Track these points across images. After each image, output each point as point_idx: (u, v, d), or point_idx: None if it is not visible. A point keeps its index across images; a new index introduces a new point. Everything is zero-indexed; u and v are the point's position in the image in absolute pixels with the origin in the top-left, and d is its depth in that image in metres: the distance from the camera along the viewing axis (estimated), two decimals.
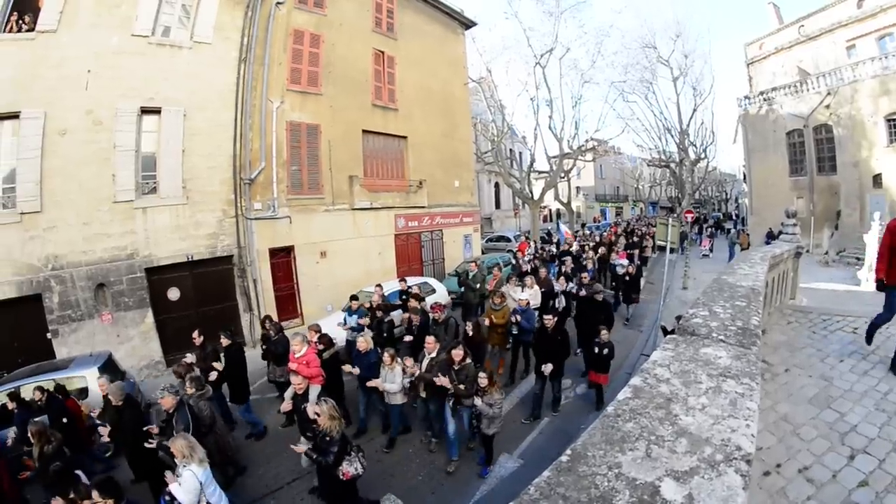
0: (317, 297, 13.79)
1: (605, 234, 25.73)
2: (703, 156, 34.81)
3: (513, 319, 8.89)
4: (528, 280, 10.60)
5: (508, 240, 27.64)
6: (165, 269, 11.53)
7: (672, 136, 31.53)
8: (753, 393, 2.12)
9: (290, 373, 6.79)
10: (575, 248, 18.25)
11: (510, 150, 37.43)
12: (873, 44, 24.06)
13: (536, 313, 9.49)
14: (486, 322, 9.01)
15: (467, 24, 21.34)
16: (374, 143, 16.65)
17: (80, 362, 8.35)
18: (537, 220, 26.87)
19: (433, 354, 6.98)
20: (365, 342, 7.30)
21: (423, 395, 6.90)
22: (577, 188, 50.97)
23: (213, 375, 7.52)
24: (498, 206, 41.10)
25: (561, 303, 10.64)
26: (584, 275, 11.32)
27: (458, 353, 6.45)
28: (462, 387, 6.07)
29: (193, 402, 6.03)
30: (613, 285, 14.23)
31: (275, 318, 10.34)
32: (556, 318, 7.64)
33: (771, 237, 21.05)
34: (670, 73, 29.23)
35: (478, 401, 5.91)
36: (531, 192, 27.16)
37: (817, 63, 26.47)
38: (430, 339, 7.10)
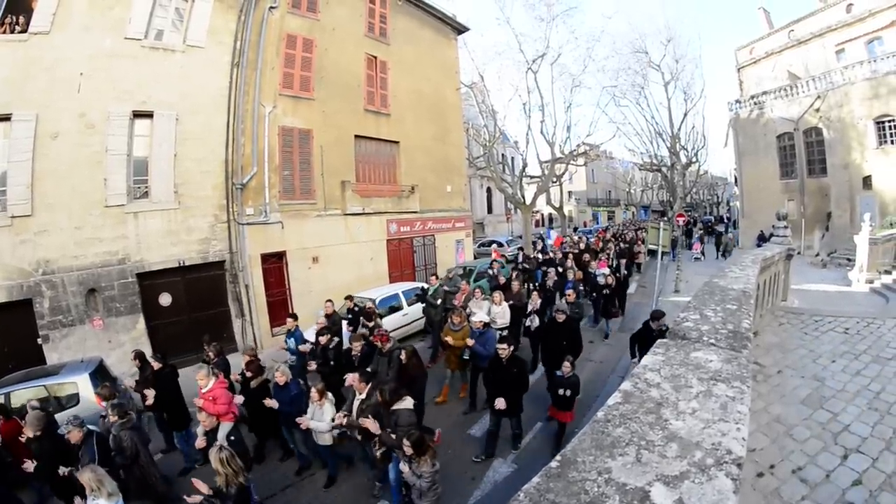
0: (309, 303, 13.69)
1: (593, 239, 25.18)
2: (694, 159, 35.11)
3: (468, 343, 7.89)
4: (496, 296, 9.72)
5: (501, 244, 27.69)
6: (157, 274, 11.43)
7: (663, 140, 31.82)
8: (744, 396, 2.13)
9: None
10: (559, 255, 17.54)
11: (502, 154, 37.56)
12: (862, 48, 24.37)
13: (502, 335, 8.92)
14: (449, 342, 8.23)
15: (460, 30, 21.37)
16: (366, 148, 16.60)
17: (71, 368, 8.24)
18: (529, 224, 26.93)
19: (362, 396, 5.86)
20: (281, 374, 6.56)
21: (359, 437, 5.88)
22: (569, 193, 51.11)
23: (150, 400, 6.89)
24: (490, 210, 41.17)
25: (534, 322, 9.59)
26: (570, 292, 10.25)
27: (360, 385, 5.80)
28: (393, 436, 5.02)
29: (116, 431, 5.57)
30: (594, 296, 13.01)
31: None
32: (512, 348, 6.58)
33: (762, 239, 21.21)
34: (661, 77, 29.48)
35: (404, 466, 4.88)
36: (523, 197, 27.22)
37: (807, 67, 26.76)
38: (352, 377, 6.05)
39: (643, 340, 7.65)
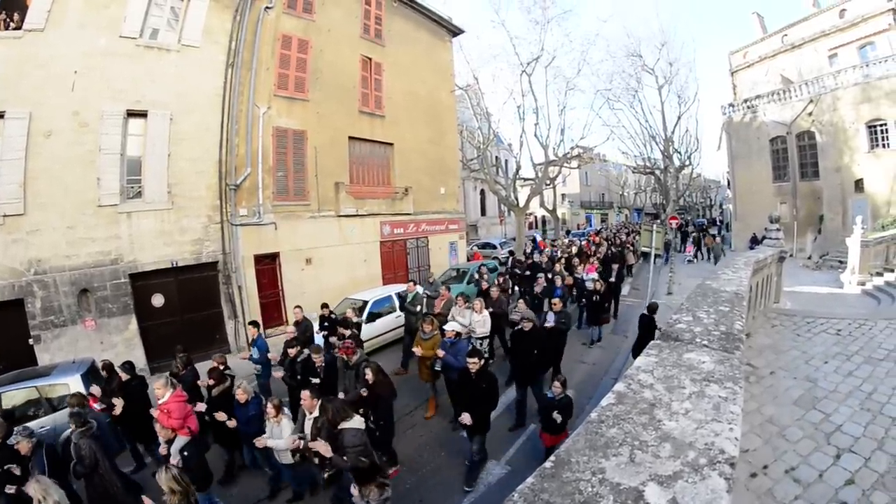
0: (302, 304, 13.60)
1: (584, 242, 24.76)
2: (687, 162, 35.44)
3: (439, 354, 7.40)
4: (476, 303, 9.31)
5: (494, 247, 27.74)
6: (150, 274, 11.35)
7: (657, 143, 32.14)
8: (737, 397, 2.14)
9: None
10: (540, 258, 17.35)
11: (496, 157, 37.60)
12: (855, 53, 24.64)
13: (484, 343, 8.71)
14: (418, 353, 7.88)
15: (455, 32, 21.40)
16: (360, 149, 16.59)
17: (62, 369, 8.15)
18: (523, 227, 26.99)
19: (315, 414, 5.37)
20: (243, 391, 6.14)
21: (316, 460, 5.40)
22: (563, 195, 51.24)
23: (118, 410, 6.57)
24: (484, 213, 41.18)
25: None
26: (556, 301, 9.53)
27: (310, 403, 5.34)
28: (345, 458, 4.57)
29: (76, 439, 5.39)
30: (582, 302, 12.72)
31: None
32: (483, 362, 6.09)
33: (755, 242, 21.38)
34: (655, 81, 29.79)
35: (354, 489, 4.68)
36: (517, 200, 27.30)
37: (800, 71, 27.01)
38: (304, 394, 5.55)
39: (644, 329, 8.31)
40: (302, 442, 5.38)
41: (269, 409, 5.71)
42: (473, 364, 5.98)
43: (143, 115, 11.17)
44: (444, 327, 7.87)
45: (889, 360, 5.70)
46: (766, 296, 8.67)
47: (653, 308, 8.83)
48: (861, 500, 3.31)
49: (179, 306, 11.94)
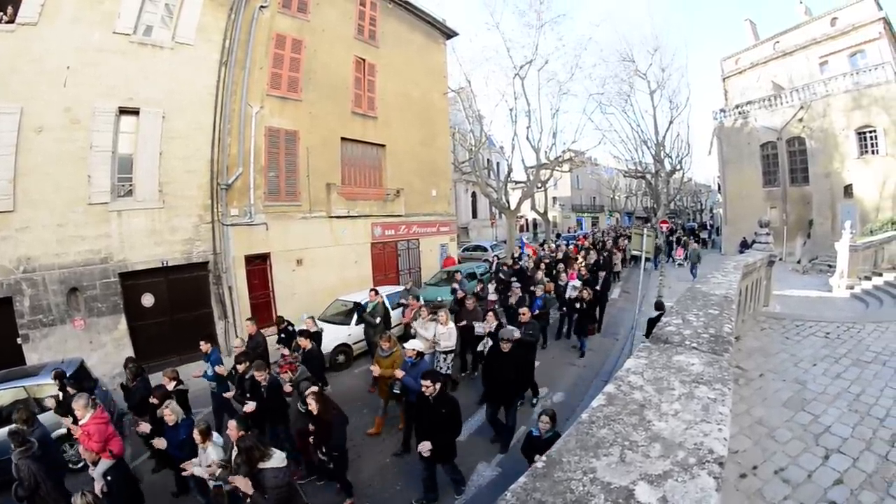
0: (293, 306, 13.59)
1: (571, 247, 24.04)
2: (678, 167, 35.73)
3: (397, 374, 6.81)
4: (442, 315, 8.44)
5: (485, 249, 27.72)
6: (140, 274, 11.27)
7: (648, 147, 32.40)
8: (725, 398, 2.16)
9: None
10: (527, 263, 16.81)
11: (488, 159, 37.70)
12: (845, 60, 24.92)
13: (449, 358, 8.27)
14: (375, 372, 7.34)
15: (449, 34, 21.43)
16: (352, 150, 16.57)
17: (51, 369, 8.07)
18: (514, 229, 27.05)
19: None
20: (170, 413, 5.64)
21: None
22: (554, 198, 51.49)
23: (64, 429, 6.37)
24: (475, 215, 41.25)
25: (487, 346, 8.33)
26: (523, 311, 8.80)
27: (236, 434, 4.93)
28: (266, 496, 4.32)
29: (15, 460, 5.17)
30: (563, 310, 12.33)
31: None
32: (439, 384, 5.48)
33: (745, 246, 21.50)
34: (647, 86, 29.99)
35: None
36: (508, 202, 27.38)
37: (791, 78, 27.25)
38: (230, 424, 5.20)
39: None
40: (220, 470, 4.94)
41: (196, 434, 5.27)
42: (427, 388, 5.41)
43: (135, 112, 11.08)
44: (405, 345, 7.24)
45: (877, 363, 5.77)
46: (755, 299, 8.73)
47: (660, 305, 9.15)
48: (850, 500, 3.34)
49: (169, 306, 11.86)
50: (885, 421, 4.37)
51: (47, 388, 7.50)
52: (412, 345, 7.14)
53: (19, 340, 9.70)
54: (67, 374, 7.57)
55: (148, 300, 11.55)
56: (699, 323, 3.68)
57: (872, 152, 21.84)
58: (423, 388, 5.42)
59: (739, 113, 28.02)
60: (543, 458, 1.72)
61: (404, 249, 19.06)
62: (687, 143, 35.68)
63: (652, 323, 8.54)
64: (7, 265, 9.53)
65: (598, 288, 12.67)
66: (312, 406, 5.54)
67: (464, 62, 34.28)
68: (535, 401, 8.66)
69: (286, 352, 7.94)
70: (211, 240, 12.27)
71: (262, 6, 13.20)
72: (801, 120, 24.02)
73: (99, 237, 10.58)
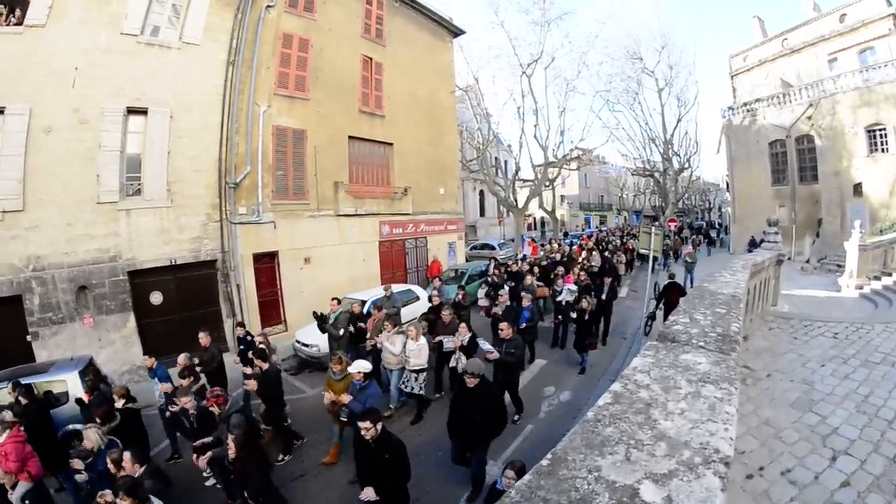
0: (300, 304, 13.66)
1: (575, 247, 22.30)
2: (686, 165, 35.55)
3: (343, 399, 6.14)
4: (412, 329, 7.76)
5: (493, 247, 27.70)
6: (148, 272, 11.35)
7: (656, 145, 32.26)
8: (732, 397, 2.15)
9: None
10: (522, 265, 15.57)
11: (495, 158, 37.62)
12: (854, 57, 24.70)
13: (420, 378, 7.53)
14: (327, 399, 6.52)
15: (455, 33, 21.38)
16: (359, 149, 16.57)
17: (60, 366, 8.17)
18: (522, 228, 27.01)
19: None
20: (88, 439, 5.17)
21: None
22: (562, 197, 51.21)
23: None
24: (482, 213, 41.15)
25: (460, 362, 7.47)
26: (503, 326, 7.52)
27: (132, 468, 4.46)
28: None
29: None
30: (558, 319, 11.33)
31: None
32: (380, 425, 4.67)
33: (754, 245, 21.41)
34: (655, 83, 29.87)
35: None
36: (516, 201, 27.33)
37: (800, 75, 27.07)
38: (125, 456, 4.68)
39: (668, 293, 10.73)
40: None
41: (109, 463, 4.78)
42: (368, 430, 4.58)
43: (143, 112, 11.15)
44: (349, 368, 6.41)
45: (885, 364, 5.72)
46: (763, 299, 8.69)
47: (671, 276, 11.31)
48: (857, 502, 3.32)
49: (178, 304, 11.93)
50: (893, 423, 4.33)
51: (57, 385, 7.64)
52: (358, 366, 6.30)
53: (29, 338, 9.80)
54: (80, 370, 7.70)
55: (156, 298, 11.63)
56: (706, 322, 3.67)
57: (882, 150, 21.64)
58: (363, 431, 4.59)
59: (748, 111, 27.86)
60: (549, 455, 1.72)
61: (412, 248, 19.07)
62: (695, 141, 35.55)
63: (664, 290, 10.67)
64: (17, 264, 9.63)
65: (602, 297, 11.34)
66: (231, 449, 5.03)
67: (471, 60, 34.13)
68: (516, 418, 7.75)
69: (248, 370, 7.34)
70: (219, 238, 12.33)
71: (268, 6, 13.22)
72: (809, 117, 23.84)
73: (108, 236, 10.67)
